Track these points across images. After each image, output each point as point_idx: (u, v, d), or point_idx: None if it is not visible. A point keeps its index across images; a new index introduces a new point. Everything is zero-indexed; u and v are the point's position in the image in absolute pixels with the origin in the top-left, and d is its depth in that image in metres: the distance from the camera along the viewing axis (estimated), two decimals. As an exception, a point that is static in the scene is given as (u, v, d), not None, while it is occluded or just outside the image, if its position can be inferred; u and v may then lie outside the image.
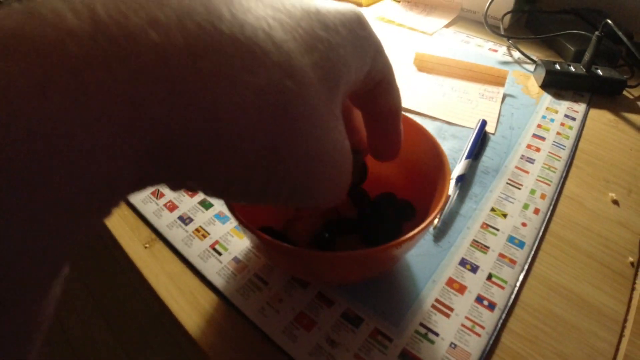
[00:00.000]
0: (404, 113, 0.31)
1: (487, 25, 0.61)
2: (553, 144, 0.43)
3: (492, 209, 0.36)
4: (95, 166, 0.11)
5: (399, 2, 0.73)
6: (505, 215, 0.35)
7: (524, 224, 0.34)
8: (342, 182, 0.18)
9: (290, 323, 0.27)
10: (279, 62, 0.14)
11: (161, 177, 0.14)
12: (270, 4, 0.15)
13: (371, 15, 0.69)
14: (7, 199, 0.09)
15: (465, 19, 0.69)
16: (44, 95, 0.10)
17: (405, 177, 0.31)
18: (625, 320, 0.30)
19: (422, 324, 0.27)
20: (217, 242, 0.32)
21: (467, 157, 0.39)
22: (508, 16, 0.64)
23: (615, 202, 0.39)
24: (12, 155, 0.09)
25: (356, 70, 0.17)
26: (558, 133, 0.45)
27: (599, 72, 0.52)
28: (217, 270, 0.30)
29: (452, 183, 0.36)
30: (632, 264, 0.33)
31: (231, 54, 0.13)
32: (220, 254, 0.31)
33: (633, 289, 0.32)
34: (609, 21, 0.50)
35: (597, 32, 0.50)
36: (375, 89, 0.20)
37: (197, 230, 0.33)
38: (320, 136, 0.15)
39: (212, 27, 0.13)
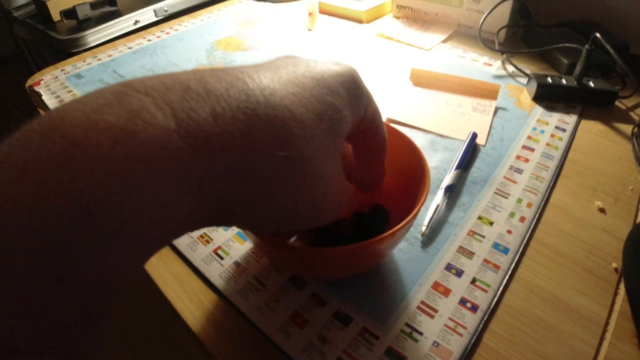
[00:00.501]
0: (393, 125, 0.33)
1: (481, 40, 0.64)
2: (542, 155, 0.45)
3: (479, 217, 0.38)
4: (174, 214, 0.16)
5: (399, 18, 0.76)
6: (491, 223, 0.37)
7: (509, 231, 0.36)
8: (342, 205, 0.23)
9: (285, 321, 0.29)
10: (300, 134, 0.18)
11: (219, 221, 0.19)
12: (288, 79, 0.19)
13: (371, 32, 0.72)
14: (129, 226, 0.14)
15: (462, 34, 0.71)
16: (149, 177, 0.15)
17: (395, 185, 0.34)
18: (607, 324, 0.31)
19: (407, 324, 0.29)
20: (219, 247, 0.35)
21: (456, 168, 0.41)
22: (503, 31, 0.66)
23: (602, 210, 0.40)
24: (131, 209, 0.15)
25: (352, 121, 0.22)
26: (547, 144, 0.47)
27: (591, 84, 0.54)
28: (219, 273, 0.33)
29: (441, 193, 0.38)
30: (616, 269, 0.35)
31: (267, 135, 0.17)
32: (222, 258, 0.34)
33: (616, 293, 0.33)
34: (598, 35, 0.52)
35: (586, 46, 0.52)
36: (366, 130, 0.24)
37: (201, 236, 0.36)
38: (328, 182, 0.21)
39: (254, 113, 0.17)
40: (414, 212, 0.27)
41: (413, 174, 0.31)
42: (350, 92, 0.21)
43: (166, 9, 1.03)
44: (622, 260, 0.35)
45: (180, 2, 1.06)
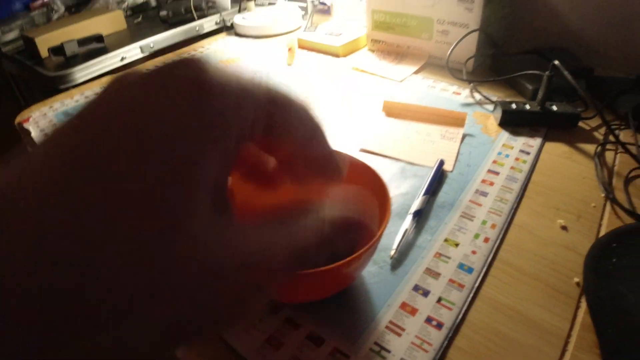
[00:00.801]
0: (362, 155, 0.36)
1: (449, 70, 0.68)
2: (506, 178, 0.48)
3: (446, 240, 0.40)
4: None
5: (373, 52, 0.80)
6: (457, 245, 0.39)
7: (473, 252, 0.39)
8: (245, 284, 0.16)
9: (261, 344, 0.31)
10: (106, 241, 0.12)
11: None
12: (69, 149, 0.13)
13: (347, 65, 0.76)
14: None
15: (433, 65, 0.75)
16: None
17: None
18: (569, 336, 0.33)
19: (376, 343, 0.31)
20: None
21: (424, 194, 0.43)
22: (471, 61, 0.70)
23: (564, 227, 0.42)
24: None
25: (219, 154, 0.15)
26: (512, 167, 0.49)
27: (554, 107, 0.57)
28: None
29: (410, 218, 0.41)
30: (577, 284, 0.37)
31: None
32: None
33: (578, 307, 0.35)
34: (556, 62, 0.56)
35: (547, 72, 0.56)
36: (265, 139, 0.17)
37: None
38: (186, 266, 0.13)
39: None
40: (376, 237, 0.29)
41: (378, 202, 0.34)
42: (194, 119, 0.14)
43: (152, 45, 1.07)
44: (583, 275, 0.37)
45: (165, 39, 1.09)
